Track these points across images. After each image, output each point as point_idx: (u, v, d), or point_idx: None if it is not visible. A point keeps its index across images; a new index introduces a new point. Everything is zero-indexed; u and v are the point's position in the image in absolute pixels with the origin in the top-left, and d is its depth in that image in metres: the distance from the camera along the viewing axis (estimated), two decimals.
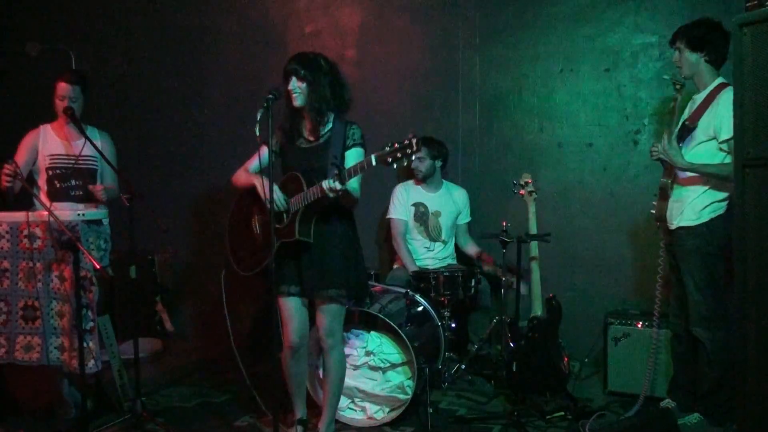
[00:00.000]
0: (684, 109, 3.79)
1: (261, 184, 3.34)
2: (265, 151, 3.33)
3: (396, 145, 2.97)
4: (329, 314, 3.46)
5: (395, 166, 3.03)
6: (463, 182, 5.10)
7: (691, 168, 3.57)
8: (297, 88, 3.34)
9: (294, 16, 5.56)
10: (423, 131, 4.85)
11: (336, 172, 3.12)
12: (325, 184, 3.12)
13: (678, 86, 3.64)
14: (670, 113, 3.72)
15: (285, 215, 3.33)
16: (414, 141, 2.95)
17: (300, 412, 3.64)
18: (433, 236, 4.88)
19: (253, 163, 3.53)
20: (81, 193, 4.21)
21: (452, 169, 5.17)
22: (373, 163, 3.03)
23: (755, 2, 2.65)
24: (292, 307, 3.47)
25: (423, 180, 4.88)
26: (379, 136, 5.06)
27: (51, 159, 4.18)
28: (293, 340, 3.50)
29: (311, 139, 3.45)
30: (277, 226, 3.29)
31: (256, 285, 3.55)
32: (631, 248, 4.75)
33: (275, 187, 3.23)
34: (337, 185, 3.10)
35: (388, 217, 4.96)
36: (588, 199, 4.88)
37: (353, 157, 3.33)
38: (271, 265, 3.14)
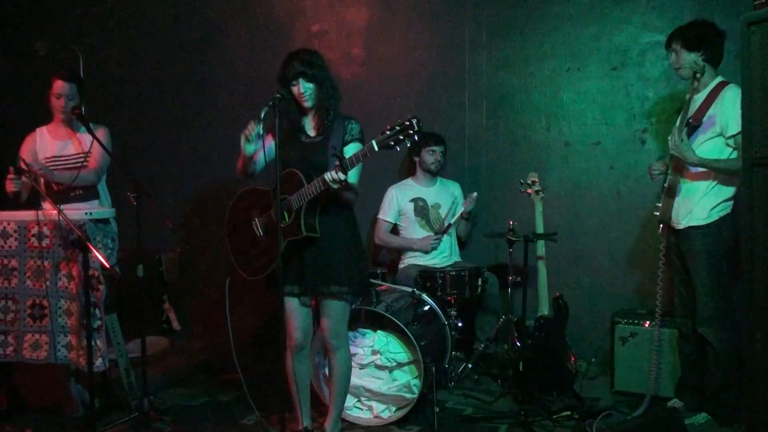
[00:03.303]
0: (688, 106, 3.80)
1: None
2: (268, 142, 3.39)
3: (397, 127, 2.97)
4: (334, 313, 3.44)
5: (398, 150, 3.03)
6: (470, 181, 5.09)
7: (702, 163, 3.57)
8: (308, 89, 3.34)
9: (300, 15, 5.57)
10: (430, 130, 4.86)
11: (337, 162, 3.10)
12: (328, 175, 3.10)
13: (699, 75, 3.61)
14: (683, 107, 3.69)
15: (287, 213, 3.29)
16: (414, 121, 2.95)
17: (305, 420, 3.58)
18: (436, 228, 4.88)
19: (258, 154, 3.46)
20: (81, 192, 4.19)
21: (459, 168, 5.17)
22: (375, 148, 3.02)
23: (763, 0, 2.64)
24: (294, 307, 3.45)
25: (437, 173, 4.92)
26: None
27: (47, 162, 4.13)
28: (297, 339, 3.49)
29: (312, 134, 3.44)
30: (281, 225, 3.27)
31: (259, 286, 3.51)
32: (638, 247, 4.74)
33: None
34: (340, 175, 3.08)
35: (377, 216, 4.99)
36: (595, 199, 4.88)
37: (352, 152, 3.26)
38: (278, 265, 3.12)
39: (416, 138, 3.00)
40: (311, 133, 3.44)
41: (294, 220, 3.26)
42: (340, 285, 3.38)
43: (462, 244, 5.11)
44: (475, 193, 4.75)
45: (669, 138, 3.70)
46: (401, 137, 2.97)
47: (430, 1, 5.25)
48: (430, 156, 4.84)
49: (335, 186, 3.12)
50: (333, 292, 3.39)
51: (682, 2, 4.58)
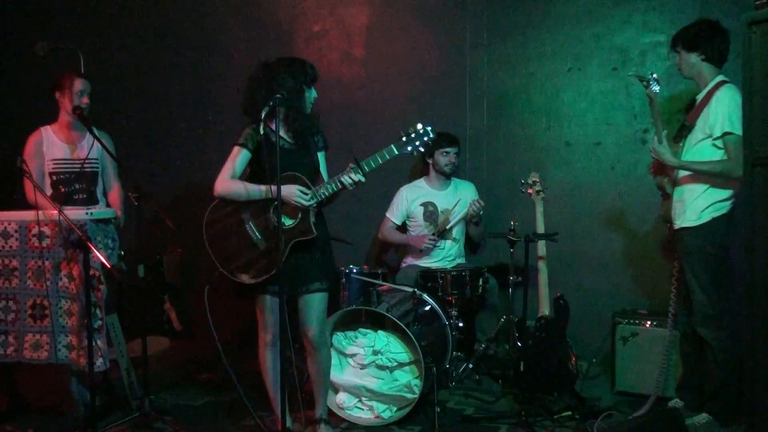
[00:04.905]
0: (687, 105, 3.81)
1: (268, 190, 3.35)
2: (241, 154, 3.46)
3: (412, 134, 3.30)
4: (320, 307, 3.54)
5: (414, 155, 3.39)
6: (471, 181, 5.08)
7: (682, 166, 3.59)
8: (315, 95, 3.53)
9: (301, 15, 5.56)
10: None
11: (352, 165, 3.29)
12: (347, 178, 3.29)
13: (644, 83, 3.61)
14: (652, 110, 3.70)
15: (291, 214, 3.40)
16: (429, 129, 3.30)
17: (287, 420, 3.56)
18: (436, 230, 4.86)
19: (231, 170, 3.48)
20: (84, 196, 4.19)
21: (460, 168, 5.16)
22: (395, 152, 3.29)
23: (764, 0, 2.64)
24: (269, 304, 3.51)
25: (451, 175, 4.89)
26: (386, 136, 5.04)
27: (54, 163, 4.13)
28: (273, 334, 3.54)
29: (291, 141, 3.51)
30: (287, 225, 3.37)
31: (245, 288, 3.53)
32: (639, 247, 4.74)
33: (294, 186, 3.35)
34: (360, 178, 3.28)
35: (386, 213, 5.00)
36: (596, 199, 4.87)
37: (322, 159, 3.59)
38: (278, 264, 3.19)
39: (430, 144, 3.37)
40: (290, 139, 3.50)
41: (302, 221, 3.37)
42: (328, 280, 3.58)
43: (475, 246, 5.11)
44: (479, 200, 4.71)
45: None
46: (417, 143, 3.30)
47: (430, 1, 5.25)
48: (444, 158, 4.81)
49: (353, 188, 3.32)
50: (319, 287, 3.52)
51: (683, 2, 4.58)
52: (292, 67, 3.44)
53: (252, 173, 3.54)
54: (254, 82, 3.44)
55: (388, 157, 3.30)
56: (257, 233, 3.43)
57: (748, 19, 2.58)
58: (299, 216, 3.38)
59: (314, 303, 3.52)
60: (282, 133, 3.45)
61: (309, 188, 3.36)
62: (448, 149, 4.79)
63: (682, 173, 3.69)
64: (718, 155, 3.56)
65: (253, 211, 3.45)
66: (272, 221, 3.39)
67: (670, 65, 4.55)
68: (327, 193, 3.36)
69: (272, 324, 3.52)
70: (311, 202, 3.36)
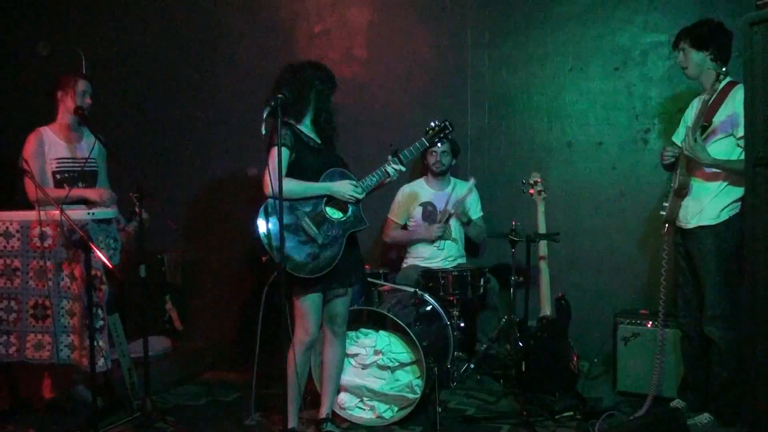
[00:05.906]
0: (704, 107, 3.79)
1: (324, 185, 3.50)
2: (284, 153, 3.40)
3: (436, 128, 3.65)
4: (347, 300, 3.67)
5: (439, 145, 4.21)
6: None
7: (716, 164, 3.56)
8: None
9: (303, 16, 5.56)
10: None
11: (391, 155, 3.53)
12: (391, 169, 3.52)
13: (722, 77, 3.57)
14: (700, 108, 3.64)
15: (340, 208, 3.54)
16: (447, 122, 3.66)
17: (294, 420, 3.60)
18: (444, 235, 4.86)
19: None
20: None
21: (461, 169, 5.16)
22: (426, 144, 3.63)
23: (766, 1, 2.64)
24: (318, 302, 3.54)
25: (441, 174, 4.88)
26: (387, 136, 5.07)
27: (58, 162, 4.11)
28: (313, 335, 3.56)
29: (319, 142, 3.60)
30: (339, 218, 3.51)
31: (262, 283, 3.53)
32: (640, 247, 4.74)
33: (346, 182, 3.50)
34: (402, 168, 3.54)
35: (387, 215, 5.00)
36: (597, 199, 4.87)
37: None
38: (282, 261, 3.23)
39: (450, 137, 3.84)
40: (318, 140, 3.60)
41: (353, 213, 3.53)
42: (364, 271, 3.84)
43: (475, 247, 5.11)
44: (464, 189, 4.73)
45: (678, 140, 3.69)
46: (441, 135, 3.67)
47: (432, 1, 5.24)
48: (431, 157, 4.81)
49: (396, 178, 3.57)
50: (355, 281, 3.67)
51: (684, 2, 4.58)
52: (320, 71, 3.56)
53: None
54: (283, 83, 3.47)
55: (420, 148, 3.60)
56: (314, 228, 3.46)
57: (749, 20, 2.58)
58: (349, 208, 3.52)
59: (343, 296, 3.64)
60: (311, 134, 3.58)
61: (357, 182, 3.51)
62: (434, 148, 4.71)
63: (703, 170, 3.66)
64: (736, 153, 3.55)
65: (306, 208, 3.49)
66: (327, 216, 3.49)
67: (670, 65, 4.56)
68: (372, 185, 3.53)
69: (314, 325, 3.54)
70: (363, 195, 3.51)
